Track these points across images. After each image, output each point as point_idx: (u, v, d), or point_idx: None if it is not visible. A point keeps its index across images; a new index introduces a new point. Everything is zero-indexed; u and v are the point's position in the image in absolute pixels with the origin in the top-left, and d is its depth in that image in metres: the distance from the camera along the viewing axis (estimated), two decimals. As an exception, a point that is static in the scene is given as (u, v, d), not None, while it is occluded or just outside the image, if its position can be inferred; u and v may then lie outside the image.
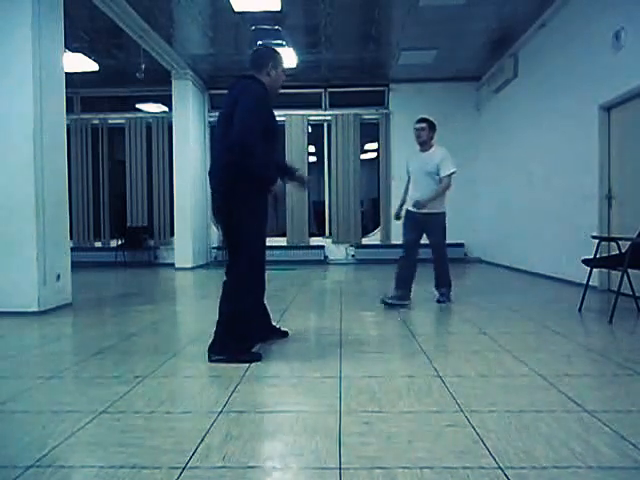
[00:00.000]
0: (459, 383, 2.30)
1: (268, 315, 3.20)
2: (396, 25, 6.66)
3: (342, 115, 9.29)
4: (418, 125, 4.43)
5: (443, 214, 4.45)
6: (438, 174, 4.33)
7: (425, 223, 4.38)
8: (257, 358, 2.74)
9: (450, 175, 4.32)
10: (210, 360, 2.73)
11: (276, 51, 2.98)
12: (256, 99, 2.68)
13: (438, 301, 4.51)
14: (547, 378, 2.34)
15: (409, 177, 4.58)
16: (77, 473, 1.53)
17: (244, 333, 2.77)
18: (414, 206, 4.35)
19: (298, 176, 3.26)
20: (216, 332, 2.77)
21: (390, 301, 4.31)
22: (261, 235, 2.82)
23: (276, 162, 3.03)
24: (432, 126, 4.44)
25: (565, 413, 1.92)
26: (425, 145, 4.42)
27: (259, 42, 7.00)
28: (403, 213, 4.55)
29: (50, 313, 4.33)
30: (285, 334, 3.29)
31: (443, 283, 4.55)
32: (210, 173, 2.82)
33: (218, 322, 2.77)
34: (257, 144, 2.60)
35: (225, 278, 2.81)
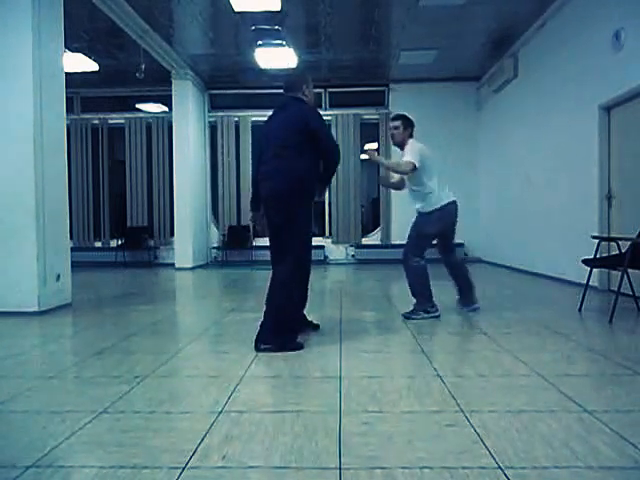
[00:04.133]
0: (459, 383, 2.30)
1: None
2: (396, 25, 6.66)
3: (342, 115, 9.29)
4: (391, 124, 3.96)
5: (428, 214, 3.84)
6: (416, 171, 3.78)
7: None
8: (300, 347, 2.94)
9: (410, 162, 3.70)
10: (258, 349, 2.91)
11: (305, 73, 3.52)
12: (322, 119, 3.17)
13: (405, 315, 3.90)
14: (547, 378, 2.34)
15: None
16: (77, 473, 1.53)
17: (292, 324, 3.03)
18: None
19: None
20: (264, 323, 2.97)
21: (471, 307, 4.07)
22: (309, 236, 3.17)
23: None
24: (407, 123, 3.92)
25: (565, 413, 1.92)
26: (402, 146, 3.91)
27: (259, 42, 7.00)
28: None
29: (50, 313, 4.33)
30: (317, 327, 3.50)
31: (417, 301, 3.91)
32: (270, 175, 3.07)
33: (266, 313, 2.97)
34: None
35: (272, 273, 3.08)
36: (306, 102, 3.26)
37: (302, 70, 3.54)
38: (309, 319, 3.48)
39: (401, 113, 4.04)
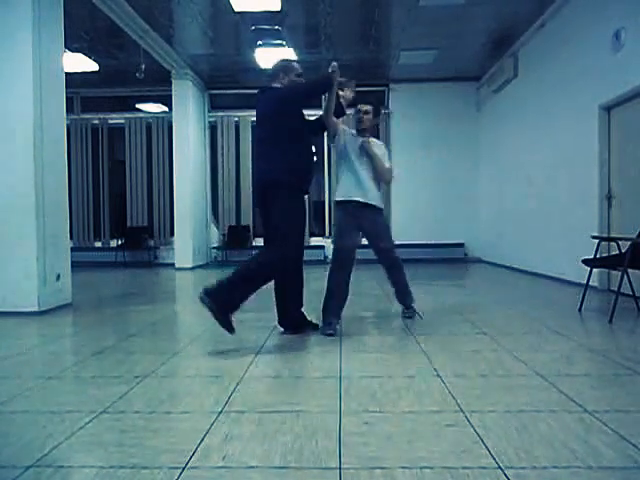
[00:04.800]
0: (459, 383, 2.30)
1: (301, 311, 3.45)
2: (396, 25, 6.66)
3: (342, 115, 9.28)
4: (362, 108, 3.69)
5: (382, 212, 3.71)
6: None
7: (367, 220, 3.55)
8: (230, 330, 2.93)
9: (391, 170, 3.67)
10: (199, 297, 2.90)
11: (285, 60, 3.37)
12: (284, 89, 3.18)
13: (406, 316, 3.87)
14: (547, 378, 2.34)
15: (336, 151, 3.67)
16: (77, 473, 1.53)
17: (242, 298, 2.95)
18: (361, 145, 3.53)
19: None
20: (221, 282, 2.93)
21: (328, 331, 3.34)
22: (299, 230, 3.15)
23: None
24: (377, 111, 3.76)
25: (565, 413, 1.92)
26: (365, 133, 3.64)
27: (259, 42, 7.00)
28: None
29: (50, 313, 4.33)
30: (316, 327, 3.46)
31: (407, 299, 3.88)
32: (261, 169, 3.12)
33: (227, 278, 2.94)
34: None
35: (257, 253, 3.19)
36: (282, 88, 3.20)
37: (283, 59, 3.39)
38: (309, 319, 3.48)
39: (372, 96, 3.86)
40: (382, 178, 3.63)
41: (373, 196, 3.53)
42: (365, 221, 3.54)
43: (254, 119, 3.31)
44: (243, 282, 2.96)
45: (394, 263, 3.81)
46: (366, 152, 3.54)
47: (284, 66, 3.26)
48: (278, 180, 3.05)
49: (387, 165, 3.62)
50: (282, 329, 3.42)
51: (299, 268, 3.32)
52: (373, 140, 3.66)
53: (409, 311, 3.89)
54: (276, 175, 3.05)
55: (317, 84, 3.28)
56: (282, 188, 3.06)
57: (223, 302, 2.89)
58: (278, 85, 3.21)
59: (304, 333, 3.36)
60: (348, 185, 3.51)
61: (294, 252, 3.15)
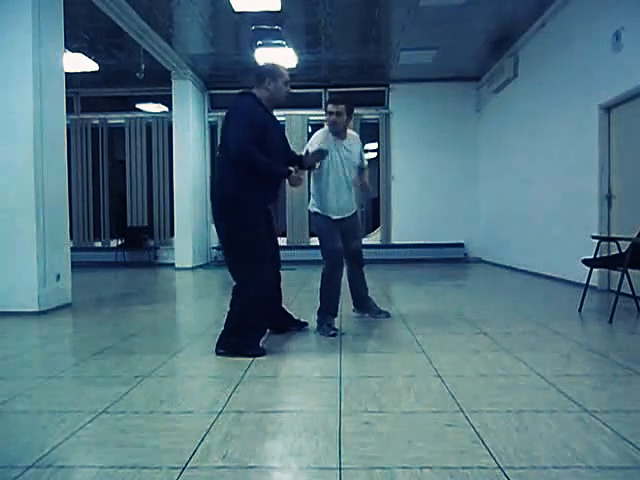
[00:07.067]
0: (459, 383, 2.30)
1: (282, 308, 3.45)
2: (396, 25, 6.66)
3: (342, 115, 9.28)
4: (334, 109, 3.36)
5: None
6: (361, 165, 3.68)
7: (346, 222, 3.67)
8: (261, 353, 2.82)
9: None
10: (217, 353, 2.85)
11: (274, 65, 3.04)
12: (244, 113, 2.81)
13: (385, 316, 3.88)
14: (547, 378, 2.34)
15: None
16: (77, 473, 1.53)
17: (256, 325, 2.91)
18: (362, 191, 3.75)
19: (313, 156, 3.25)
20: (225, 325, 2.88)
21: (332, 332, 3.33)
22: (262, 243, 2.88)
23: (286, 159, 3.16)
24: (350, 108, 3.44)
25: (565, 413, 1.92)
26: (341, 134, 3.48)
27: (259, 42, 7.00)
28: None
29: (50, 313, 4.33)
30: (304, 325, 3.50)
31: (370, 299, 3.92)
32: (211, 183, 3.04)
33: (228, 317, 2.88)
34: (255, 152, 2.75)
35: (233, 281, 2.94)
36: (257, 97, 2.94)
37: (272, 63, 3.11)
38: (295, 318, 3.51)
39: (342, 95, 3.60)
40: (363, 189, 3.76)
41: (354, 203, 3.72)
42: (344, 222, 3.64)
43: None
44: (245, 327, 2.83)
45: (363, 263, 3.87)
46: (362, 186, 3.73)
47: (271, 71, 2.96)
48: (227, 196, 2.82)
49: (365, 164, 3.72)
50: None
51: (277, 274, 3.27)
52: (350, 133, 3.59)
53: (381, 309, 3.94)
54: (227, 191, 2.82)
55: (268, 170, 2.83)
56: (231, 204, 2.80)
57: (237, 339, 2.82)
58: (259, 92, 2.95)
59: (290, 332, 3.39)
60: (341, 204, 3.60)
61: (262, 270, 2.87)
